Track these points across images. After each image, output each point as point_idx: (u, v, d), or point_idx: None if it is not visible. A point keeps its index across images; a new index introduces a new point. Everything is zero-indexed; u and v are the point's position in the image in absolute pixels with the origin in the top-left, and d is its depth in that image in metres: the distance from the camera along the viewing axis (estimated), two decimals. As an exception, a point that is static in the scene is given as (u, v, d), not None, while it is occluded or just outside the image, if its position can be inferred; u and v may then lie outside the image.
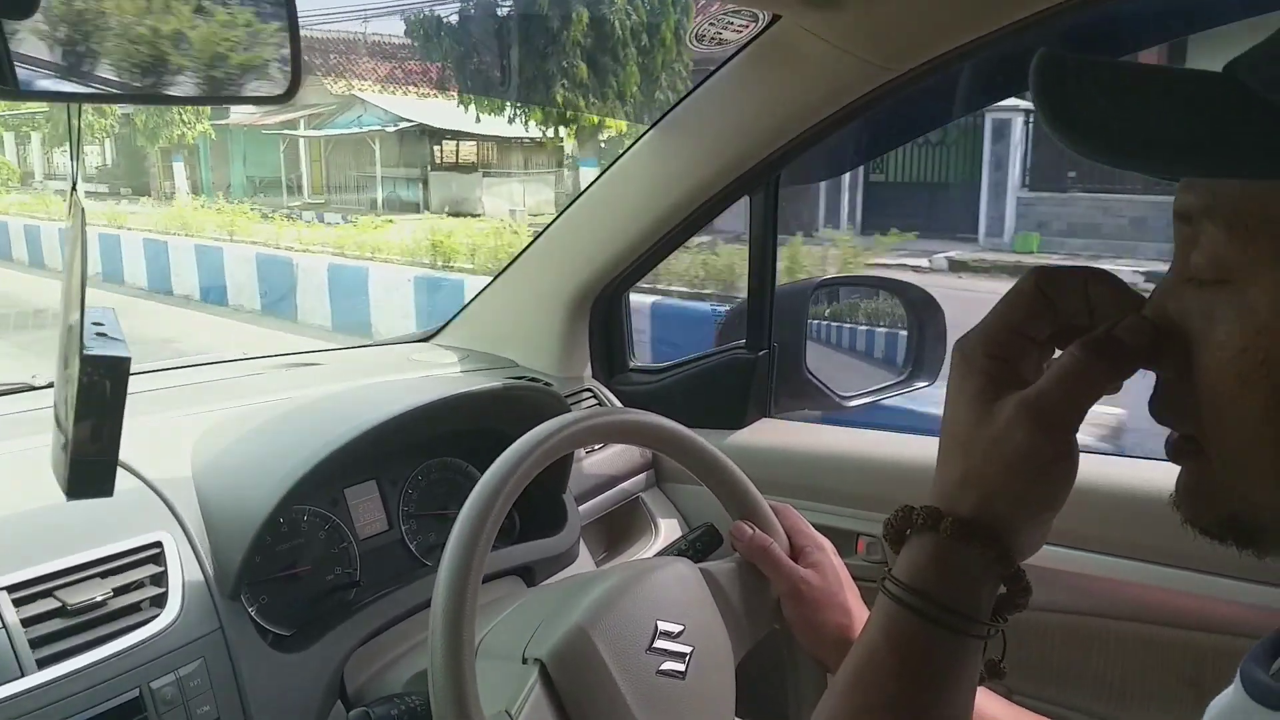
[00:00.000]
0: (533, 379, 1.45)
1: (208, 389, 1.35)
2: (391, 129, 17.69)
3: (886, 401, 1.50)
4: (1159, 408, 0.46)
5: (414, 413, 0.99)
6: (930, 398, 1.52)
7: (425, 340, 1.68)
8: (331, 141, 19.50)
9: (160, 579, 0.87)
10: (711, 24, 1.13)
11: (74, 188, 0.65)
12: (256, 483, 0.93)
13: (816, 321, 1.53)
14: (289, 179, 20.95)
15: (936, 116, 1.42)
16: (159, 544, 0.89)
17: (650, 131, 1.28)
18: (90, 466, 0.64)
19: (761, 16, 1.09)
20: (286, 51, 0.65)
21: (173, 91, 0.67)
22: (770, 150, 1.18)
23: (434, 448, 1.17)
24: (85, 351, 0.59)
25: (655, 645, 0.76)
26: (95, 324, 0.61)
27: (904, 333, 1.54)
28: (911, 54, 1.06)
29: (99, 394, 0.60)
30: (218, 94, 0.70)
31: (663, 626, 0.77)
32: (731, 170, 1.22)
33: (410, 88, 18.43)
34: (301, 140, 19.86)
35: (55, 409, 0.68)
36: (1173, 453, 0.46)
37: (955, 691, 0.49)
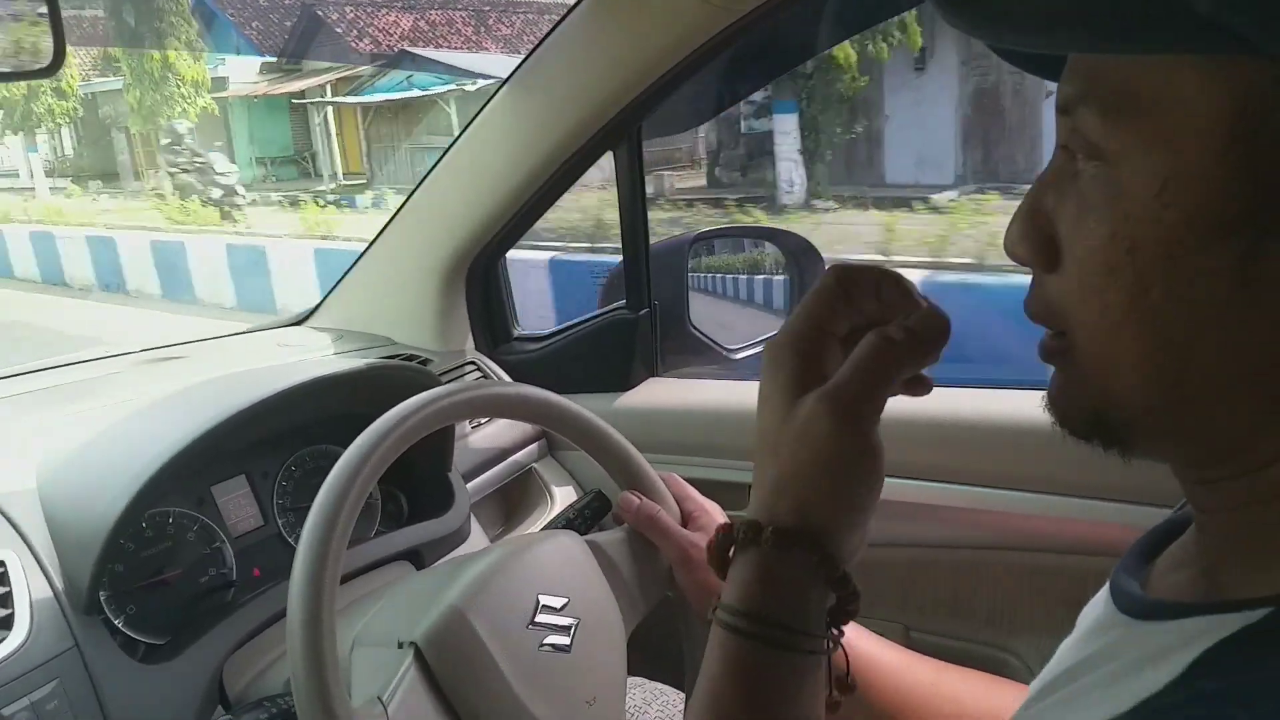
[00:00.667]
0: (409, 356, 1.41)
1: (58, 393, 1.27)
2: (471, 87, 13.78)
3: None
4: (1032, 306, 0.46)
5: (273, 400, 0.94)
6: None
7: (297, 324, 1.62)
8: (370, 111, 16.40)
9: (5, 599, 0.81)
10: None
11: None
12: (104, 487, 0.87)
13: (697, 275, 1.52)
14: (305, 156, 18.53)
15: (789, 57, 1.41)
16: (2, 563, 0.83)
17: (501, 90, 1.24)
18: None
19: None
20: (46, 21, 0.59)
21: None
22: (626, 102, 1.16)
23: (305, 436, 1.12)
24: None
25: (537, 620, 0.74)
26: None
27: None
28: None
29: None
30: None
31: (545, 601, 0.75)
32: (589, 125, 1.18)
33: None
34: (325, 111, 17.35)
35: None
36: (1044, 352, 0.46)
37: (804, 707, 0.49)
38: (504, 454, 1.36)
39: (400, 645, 0.70)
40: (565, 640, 0.74)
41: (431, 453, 1.18)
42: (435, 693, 0.68)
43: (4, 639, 0.79)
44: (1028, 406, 1.11)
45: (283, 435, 1.11)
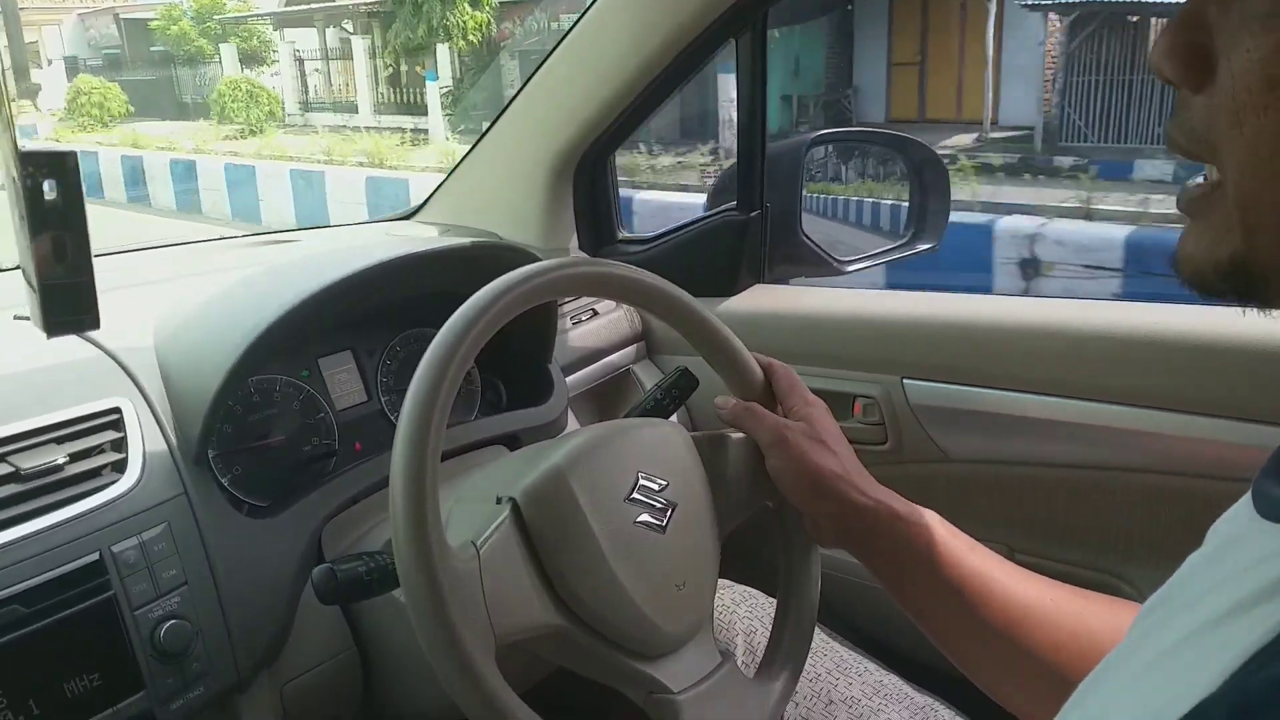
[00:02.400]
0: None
1: (178, 265, 1.31)
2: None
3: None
4: (1174, 132, 0.41)
5: (376, 270, 0.94)
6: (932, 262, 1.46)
7: (405, 219, 1.63)
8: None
9: (120, 445, 0.84)
10: None
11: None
12: (216, 345, 0.88)
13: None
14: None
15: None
16: (118, 410, 0.85)
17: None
18: (63, 291, 0.55)
19: None
20: None
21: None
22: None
23: (410, 316, 1.13)
24: (19, 149, 0.51)
25: (635, 495, 0.72)
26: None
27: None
28: None
29: (49, 199, 0.52)
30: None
31: (644, 480, 0.73)
32: (713, 9, 1.13)
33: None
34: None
35: (21, 265, 0.60)
36: (1183, 203, 0.41)
37: None
38: (602, 353, 1.34)
39: (499, 500, 0.69)
40: (661, 521, 0.72)
41: (532, 343, 1.18)
42: (527, 546, 0.67)
43: (118, 481, 0.81)
44: (1145, 317, 1.04)
45: (388, 313, 1.11)
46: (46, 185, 0.53)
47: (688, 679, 0.70)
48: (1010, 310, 1.15)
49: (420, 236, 1.48)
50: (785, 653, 0.80)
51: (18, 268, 1.29)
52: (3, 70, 0.56)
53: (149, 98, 19.24)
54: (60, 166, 0.53)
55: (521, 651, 0.67)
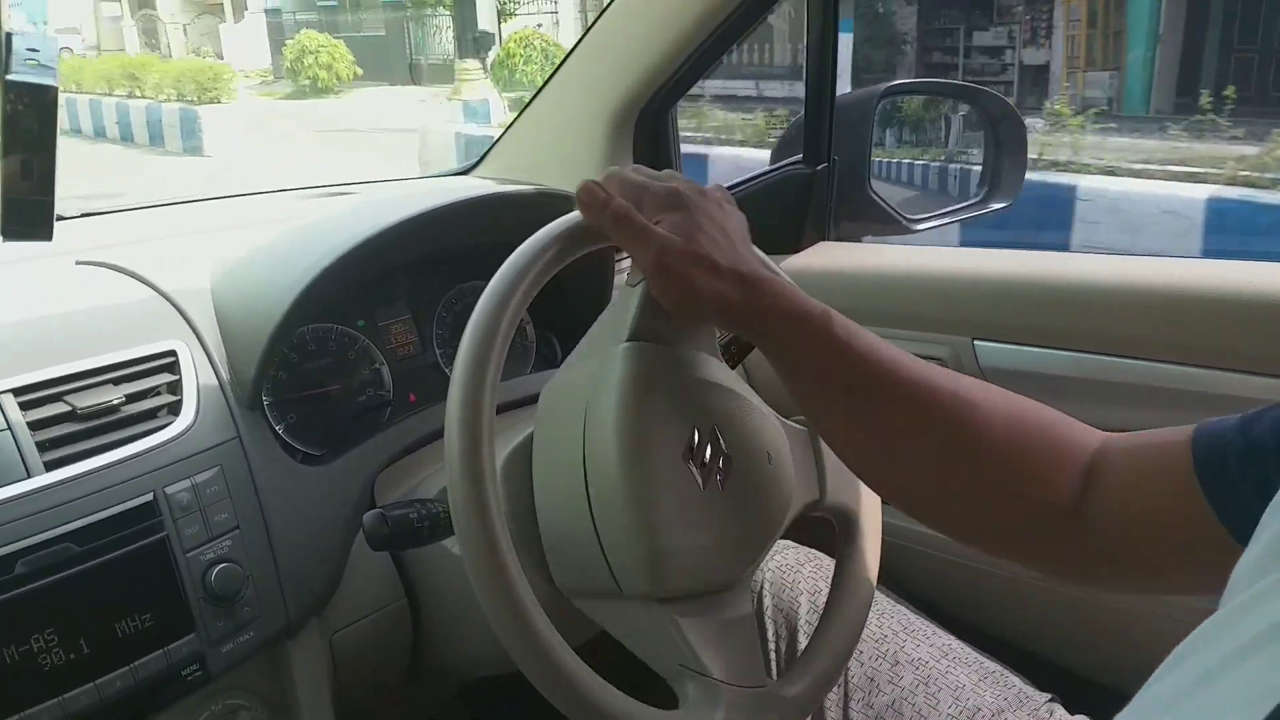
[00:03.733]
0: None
1: (237, 214, 1.31)
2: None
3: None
4: None
5: (430, 215, 0.92)
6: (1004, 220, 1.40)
7: (463, 174, 1.61)
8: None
9: (175, 387, 0.83)
10: None
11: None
12: (271, 290, 0.88)
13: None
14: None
15: None
16: (173, 352, 0.85)
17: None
18: (25, 206, 0.60)
19: None
20: None
21: None
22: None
23: (466, 269, 1.11)
24: (8, 76, 0.54)
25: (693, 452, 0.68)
26: (30, 49, 0.55)
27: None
28: None
29: (25, 125, 0.56)
30: None
31: (707, 438, 0.69)
32: (785, -51, 1.08)
33: None
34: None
35: None
36: None
37: None
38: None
39: None
40: (715, 477, 0.69)
41: (587, 298, 1.15)
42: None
43: (172, 423, 0.81)
44: (1243, 277, 0.97)
45: (444, 265, 1.09)
46: (24, 111, 0.58)
47: (725, 674, 0.65)
48: (1086, 268, 1.09)
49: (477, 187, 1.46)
50: (827, 652, 0.76)
51: (80, 216, 1.30)
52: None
53: (378, 57, 16.60)
54: (40, 98, 0.58)
55: (565, 613, 0.65)
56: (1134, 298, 1.02)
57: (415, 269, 1.07)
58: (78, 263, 1.06)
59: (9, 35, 0.58)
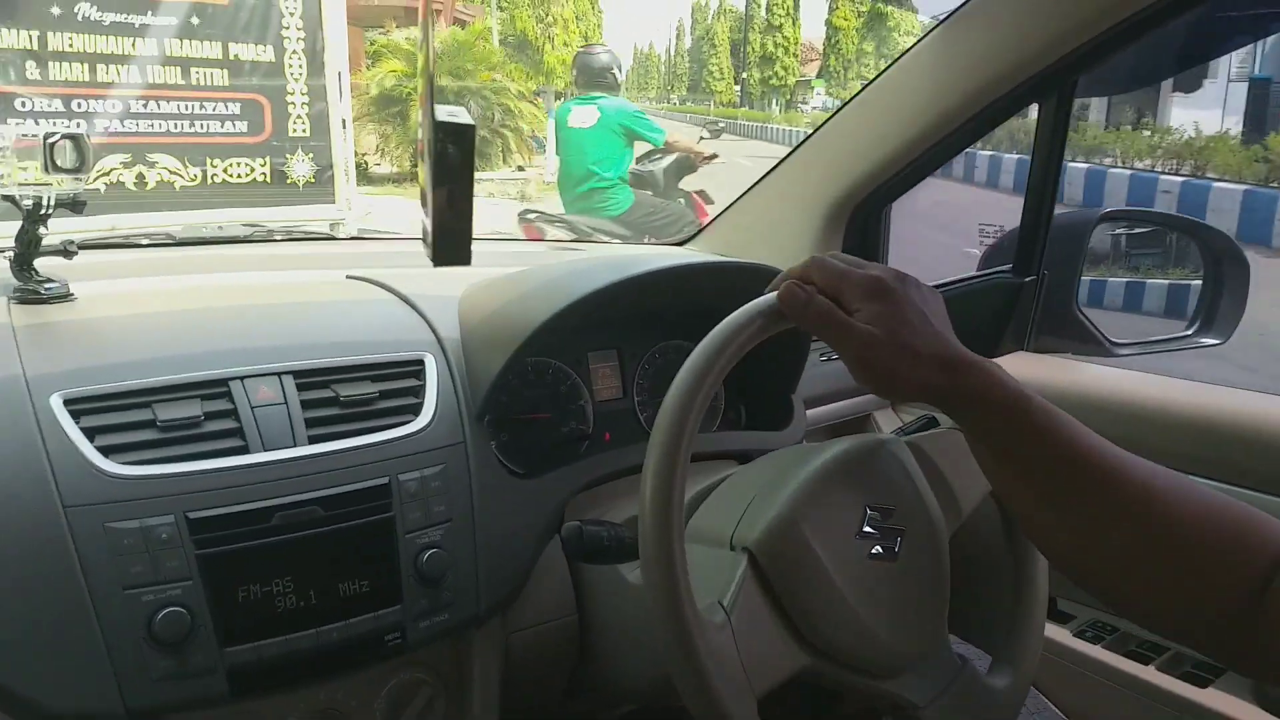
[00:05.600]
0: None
1: (492, 258, 1.47)
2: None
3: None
4: None
5: (649, 276, 1.01)
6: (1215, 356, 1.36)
7: (680, 244, 1.72)
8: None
9: (419, 391, 0.95)
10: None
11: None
12: (512, 322, 0.99)
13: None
14: None
15: (1263, 23, 1.23)
16: (422, 362, 0.97)
17: (936, 28, 1.21)
18: (449, 234, 0.71)
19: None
20: None
21: None
22: (1067, 50, 1.08)
23: (674, 327, 1.20)
24: (435, 118, 0.66)
25: (865, 530, 0.74)
26: (450, 111, 0.69)
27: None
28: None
29: (449, 161, 0.67)
30: None
31: (872, 511, 0.74)
32: (1021, 71, 1.12)
33: None
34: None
35: (421, 191, 0.76)
36: None
37: None
38: (848, 394, 1.36)
39: (733, 548, 0.73)
40: (893, 548, 0.74)
41: (780, 370, 1.21)
42: (769, 596, 0.70)
43: (412, 420, 0.93)
44: None
45: (654, 322, 1.19)
46: (451, 150, 0.68)
47: (932, 690, 0.73)
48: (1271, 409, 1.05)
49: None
50: (1018, 648, 0.80)
51: (352, 239, 1.49)
52: (427, 52, 0.70)
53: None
54: (461, 136, 0.69)
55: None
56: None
57: (629, 322, 1.17)
58: (348, 276, 1.23)
59: (431, 105, 0.69)
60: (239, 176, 5.67)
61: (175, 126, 5.45)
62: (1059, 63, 1.10)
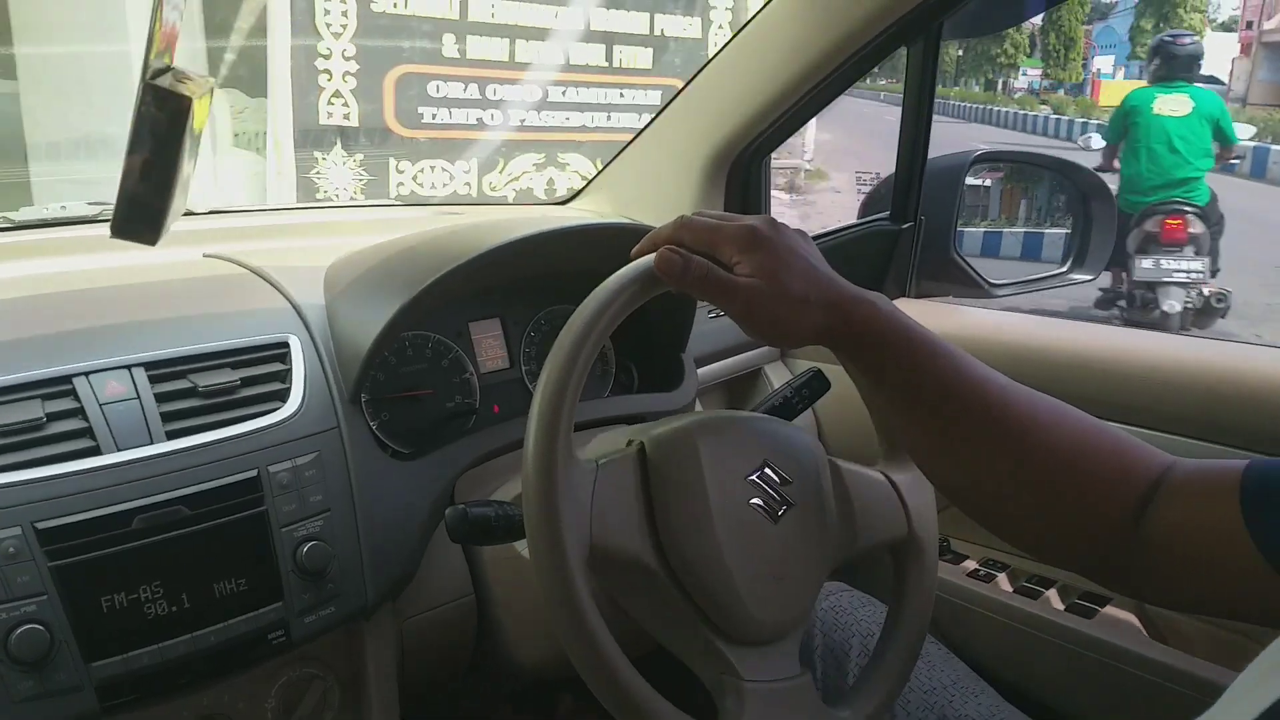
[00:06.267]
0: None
1: (356, 224, 1.40)
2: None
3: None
4: None
5: (524, 242, 0.98)
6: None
7: (562, 204, 1.68)
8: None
9: (285, 376, 0.90)
10: None
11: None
12: (380, 296, 0.94)
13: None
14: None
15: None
16: (285, 343, 0.92)
17: (799, -26, 1.20)
18: (138, 207, 0.63)
19: None
20: None
21: None
22: (932, -8, 1.09)
23: (556, 292, 1.17)
24: (148, 79, 0.58)
25: (755, 479, 0.72)
26: (178, 71, 0.61)
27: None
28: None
29: (154, 128, 0.59)
30: None
31: (769, 470, 0.73)
32: (887, 15, 1.12)
33: None
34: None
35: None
36: None
37: None
38: (736, 349, 1.36)
39: (629, 443, 0.71)
40: (776, 512, 0.72)
41: (668, 330, 1.20)
42: (642, 483, 0.68)
43: (279, 408, 0.88)
44: None
45: (536, 287, 1.16)
46: (156, 114, 0.60)
47: (762, 674, 0.69)
48: (1145, 345, 1.10)
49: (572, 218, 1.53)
50: (884, 674, 0.78)
51: (211, 213, 1.40)
52: (156, 11, 0.62)
53: None
54: (175, 106, 0.61)
55: (617, 624, 0.68)
56: (1210, 381, 1.02)
57: (510, 289, 1.13)
58: (205, 255, 1.15)
59: (163, 59, 0.62)
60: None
61: (591, 120, 4.32)
62: (923, 6, 1.11)
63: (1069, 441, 0.65)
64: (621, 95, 4.37)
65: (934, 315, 1.32)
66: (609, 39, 4.28)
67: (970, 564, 1.21)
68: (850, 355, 0.68)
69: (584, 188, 1.66)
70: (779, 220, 0.70)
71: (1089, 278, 1.39)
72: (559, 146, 4.34)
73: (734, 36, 1.33)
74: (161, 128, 0.62)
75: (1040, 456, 0.64)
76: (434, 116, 4.06)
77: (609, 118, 4.36)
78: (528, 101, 4.20)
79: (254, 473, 0.83)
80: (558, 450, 0.63)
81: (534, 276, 1.14)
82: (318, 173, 3.90)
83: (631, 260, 0.69)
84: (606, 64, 4.25)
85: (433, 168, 4.17)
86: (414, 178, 4.15)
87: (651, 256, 0.67)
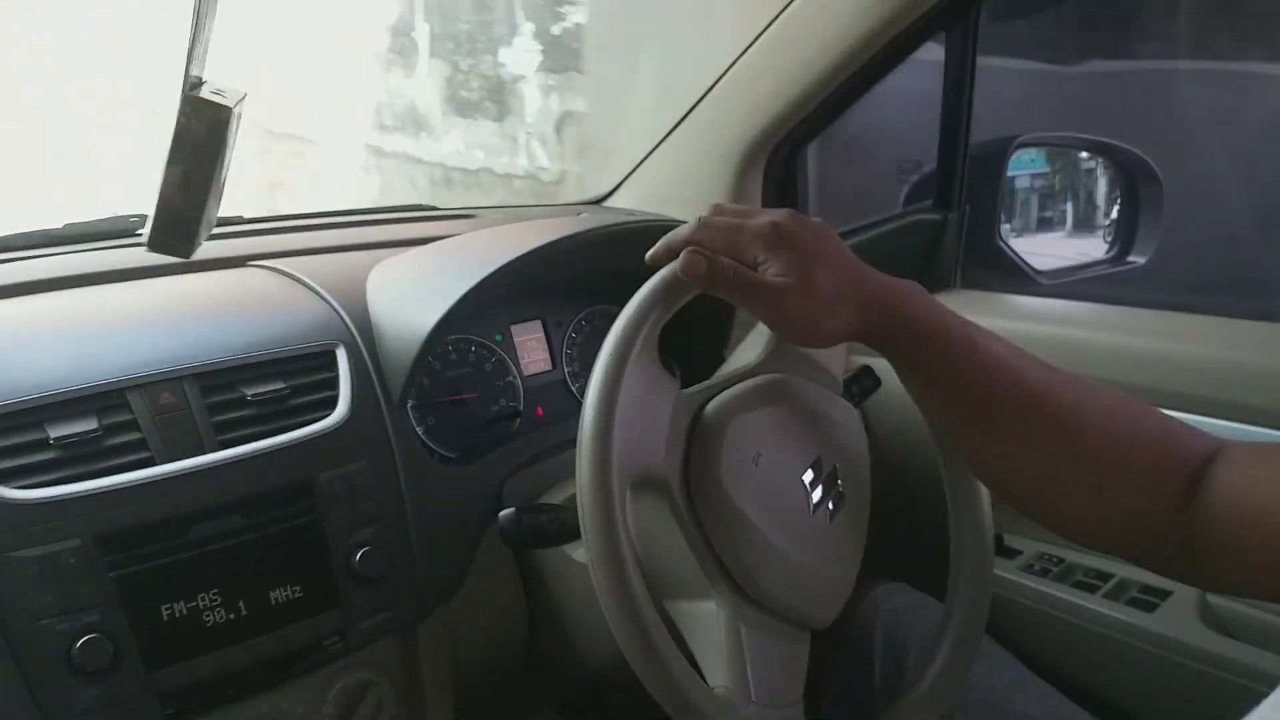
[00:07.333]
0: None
1: (394, 229, 1.40)
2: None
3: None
4: None
5: (569, 240, 0.98)
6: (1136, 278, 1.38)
7: (595, 203, 1.67)
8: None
9: (332, 383, 0.91)
10: None
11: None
12: (424, 302, 0.94)
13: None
14: None
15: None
16: (332, 352, 0.92)
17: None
18: (175, 219, 0.63)
19: None
20: None
21: None
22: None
23: (598, 293, 1.17)
24: (188, 91, 0.57)
25: (810, 475, 0.72)
26: (215, 90, 0.60)
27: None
28: None
29: (193, 140, 0.58)
30: None
31: (823, 463, 0.72)
32: (923, 1, 1.10)
33: None
34: None
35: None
36: None
37: None
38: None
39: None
40: (828, 507, 0.72)
41: (709, 331, 1.19)
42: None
43: (329, 415, 0.88)
44: None
45: (577, 288, 1.15)
46: (196, 126, 0.59)
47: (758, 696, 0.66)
48: (1219, 333, 1.07)
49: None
50: (941, 675, 0.77)
51: (252, 220, 1.40)
52: (194, 18, 0.62)
53: None
54: (214, 117, 0.60)
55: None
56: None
57: (551, 290, 1.13)
58: (250, 265, 1.16)
59: (199, 70, 0.60)
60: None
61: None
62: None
63: (1113, 426, 0.63)
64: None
65: (981, 305, 1.29)
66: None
67: (1025, 559, 1.19)
68: (889, 351, 0.66)
69: (618, 185, 1.65)
70: (801, 214, 0.67)
71: (1140, 260, 1.36)
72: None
73: (769, 24, 1.31)
74: (201, 139, 0.61)
75: (1085, 443, 0.63)
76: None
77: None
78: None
79: (305, 480, 0.83)
80: (611, 461, 0.61)
81: (573, 277, 1.14)
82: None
83: (648, 262, 0.68)
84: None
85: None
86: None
87: (676, 263, 0.65)
